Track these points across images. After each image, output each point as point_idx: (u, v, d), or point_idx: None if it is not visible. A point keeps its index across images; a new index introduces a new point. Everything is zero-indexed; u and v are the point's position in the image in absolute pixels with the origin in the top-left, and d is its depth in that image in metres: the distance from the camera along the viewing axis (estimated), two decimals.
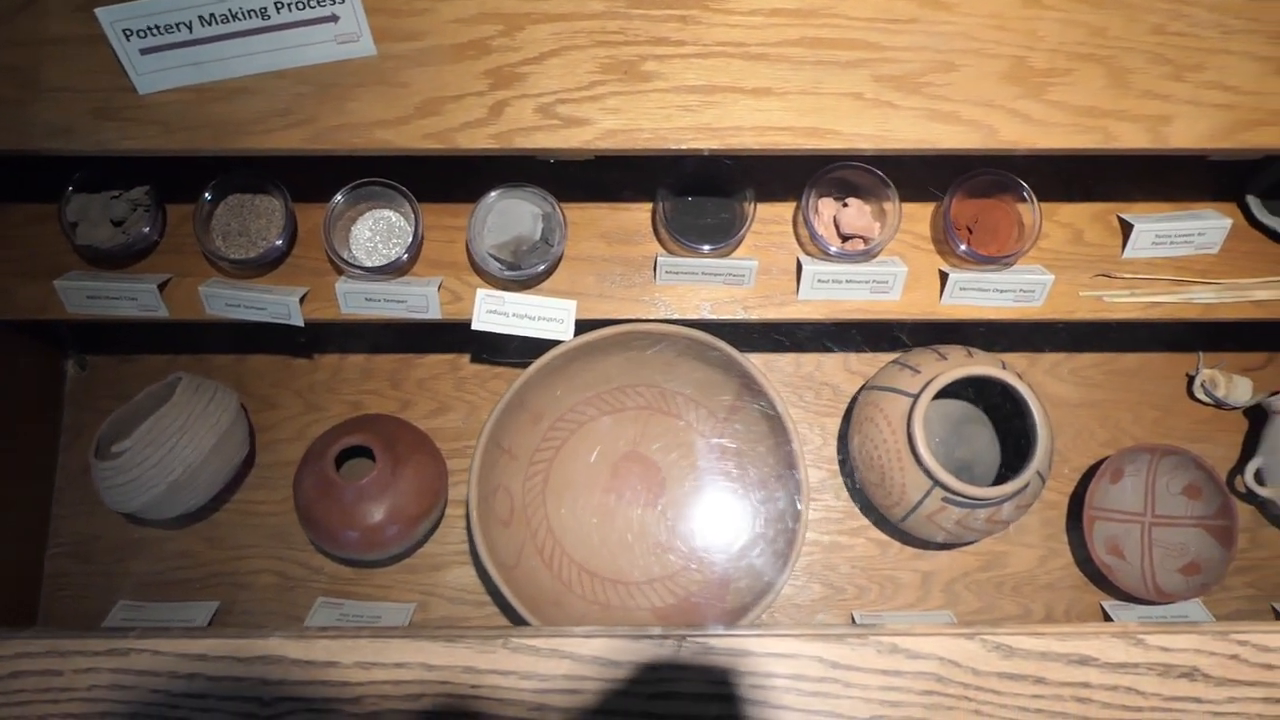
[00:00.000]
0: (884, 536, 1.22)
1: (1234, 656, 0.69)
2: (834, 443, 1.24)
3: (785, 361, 1.27)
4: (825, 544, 1.22)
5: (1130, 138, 0.88)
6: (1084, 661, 0.68)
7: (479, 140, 0.89)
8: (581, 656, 0.67)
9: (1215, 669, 0.68)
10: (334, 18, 0.89)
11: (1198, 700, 0.68)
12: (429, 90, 0.89)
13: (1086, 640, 0.68)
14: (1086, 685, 0.68)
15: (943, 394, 1.21)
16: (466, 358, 1.28)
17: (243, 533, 1.21)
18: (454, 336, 1.24)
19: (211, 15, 0.86)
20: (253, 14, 0.87)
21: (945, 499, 1.07)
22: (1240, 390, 1.23)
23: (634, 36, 0.90)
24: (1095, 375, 1.27)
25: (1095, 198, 1.12)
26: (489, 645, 0.67)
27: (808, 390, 1.26)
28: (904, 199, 1.11)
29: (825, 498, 1.23)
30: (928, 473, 1.06)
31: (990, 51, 0.89)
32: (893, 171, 1.07)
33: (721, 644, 0.68)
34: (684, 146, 0.89)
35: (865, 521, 1.22)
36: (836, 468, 1.24)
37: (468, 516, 1.03)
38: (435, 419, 1.25)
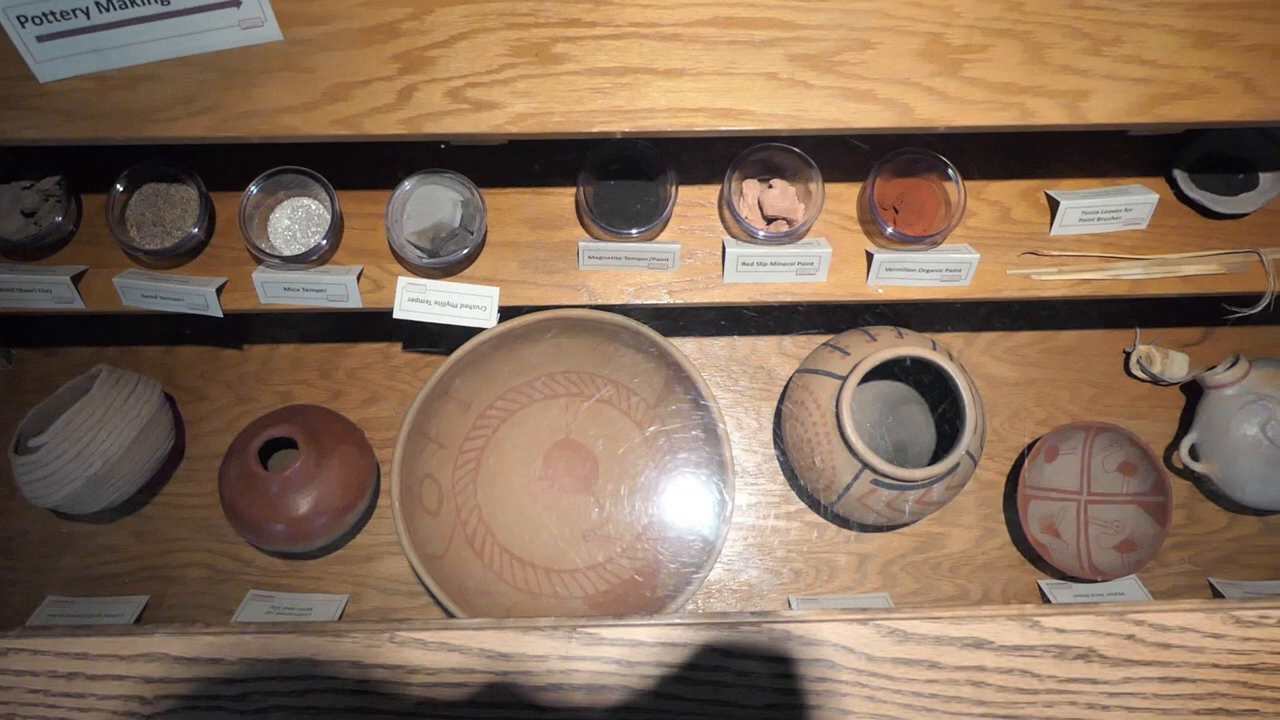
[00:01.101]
0: (820, 520, 1.21)
1: (1130, 637, 0.68)
2: (770, 427, 1.23)
3: (720, 345, 1.26)
4: (762, 528, 1.21)
5: (1048, 114, 0.87)
6: (979, 645, 0.67)
7: (387, 126, 0.87)
8: (470, 649, 0.67)
9: (1111, 649, 0.68)
10: (236, 2, 0.87)
11: (1093, 681, 0.67)
12: (337, 75, 0.87)
13: (982, 623, 0.68)
14: (982, 669, 0.67)
15: (880, 375, 1.21)
16: (398, 346, 1.26)
17: (173, 526, 1.20)
18: (385, 325, 1.22)
19: (109, 1, 0.84)
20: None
21: (874, 481, 1.06)
22: (1177, 366, 1.22)
23: (545, 18, 0.88)
24: (1032, 353, 1.26)
25: (1024, 174, 1.11)
26: (375, 639, 0.66)
27: (743, 374, 1.25)
28: (831, 179, 1.10)
29: (761, 482, 1.22)
30: (855, 455, 1.05)
31: (906, 28, 0.87)
32: (820, 151, 1.05)
33: (612, 634, 0.67)
34: (596, 130, 0.87)
35: (801, 505, 1.21)
36: (773, 452, 1.23)
37: (391, 506, 1.01)
38: (367, 409, 1.23)
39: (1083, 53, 0.87)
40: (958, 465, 1.06)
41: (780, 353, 1.26)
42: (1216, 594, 1.18)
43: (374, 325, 1.25)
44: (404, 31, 0.87)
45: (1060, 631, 0.68)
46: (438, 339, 1.23)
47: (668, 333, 1.24)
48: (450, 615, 1.02)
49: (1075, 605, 0.69)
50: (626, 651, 0.67)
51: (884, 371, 1.18)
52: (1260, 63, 0.87)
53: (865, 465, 1.05)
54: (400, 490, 1.03)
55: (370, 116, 0.87)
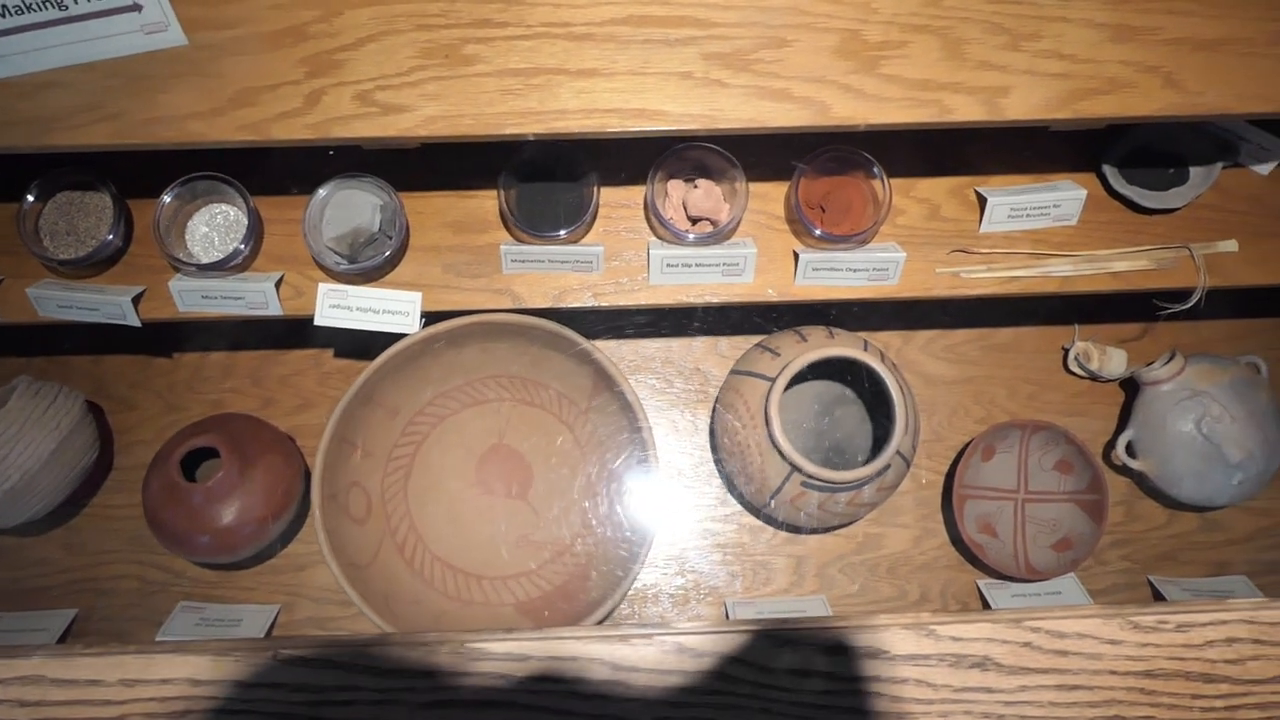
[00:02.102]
0: (756, 522, 1.20)
1: (1026, 644, 0.67)
2: (707, 429, 1.22)
3: (655, 347, 1.25)
4: (697, 531, 1.20)
5: (966, 110, 0.86)
6: (874, 655, 0.66)
7: (295, 131, 0.86)
8: (354, 665, 0.65)
9: (1008, 657, 0.67)
10: (137, 6, 0.85)
11: (989, 690, 0.66)
12: (244, 80, 0.86)
13: (877, 633, 0.67)
14: (876, 679, 0.66)
15: (818, 375, 1.20)
16: (330, 353, 1.25)
17: (102, 538, 1.19)
18: (317, 331, 1.21)
19: (4, 7, 0.83)
20: (49, 4, 0.84)
21: (804, 484, 1.05)
22: (1115, 362, 1.21)
23: (456, 19, 0.87)
24: (970, 351, 1.25)
25: (953, 171, 1.10)
26: (259, 657, 0.65)
27: (678, 376, 1.24)
28: (760, 177, 1.09)
29: (698, 485, 1.21)
30: (784, 457, 1.04)
31: (822, 25, 0.86)
32: (748, 149, 1.04)
33: (500, 648, 0.66)
34: (506, 132, 0.86)
35: (737, 508, 1.20)
36: (709, 454, 1.22)
37: (312, 516, 1.00)
38: (298, 416, 1.22)
39: (1002, 48, 0.86)
40: (888, 467, 1.05)
41: (716, 353, 1.25)
42: (1155, 591, 1.17)
43: (306, 331, 1.23)
44: (312, 34, 0.86)
45: (956, 640, 0.67)
46: (370, 345, 1.21)
47: (604, 334, 1.23)
48: (377, 626, 1.00)
49: (972, 614, 0.68)
50: (514, 667, 0.65)
51: (822, 371, 1.17)
52: (1180, 56, 0.86)
53: (794, 467, 1.04)
54: (323, 499, 1.01)
55: (278, 122, 0.86)
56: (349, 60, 0.86)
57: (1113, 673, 0.67)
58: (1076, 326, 1.25)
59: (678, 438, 1.22)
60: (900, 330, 1.25)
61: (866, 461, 1.09)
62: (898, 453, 1.06)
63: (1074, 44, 0.86)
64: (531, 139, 0.86)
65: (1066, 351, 1.25)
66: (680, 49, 0.86)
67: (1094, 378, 1.24)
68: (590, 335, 1.22)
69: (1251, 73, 0.86)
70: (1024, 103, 0.86)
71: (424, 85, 0.86)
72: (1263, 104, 0.86)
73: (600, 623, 1.02)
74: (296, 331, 1.24)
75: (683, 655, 0.66)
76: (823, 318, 1.20)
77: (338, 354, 1.26)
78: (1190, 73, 0.86)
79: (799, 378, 1.20)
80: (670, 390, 1.24)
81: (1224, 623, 0.67)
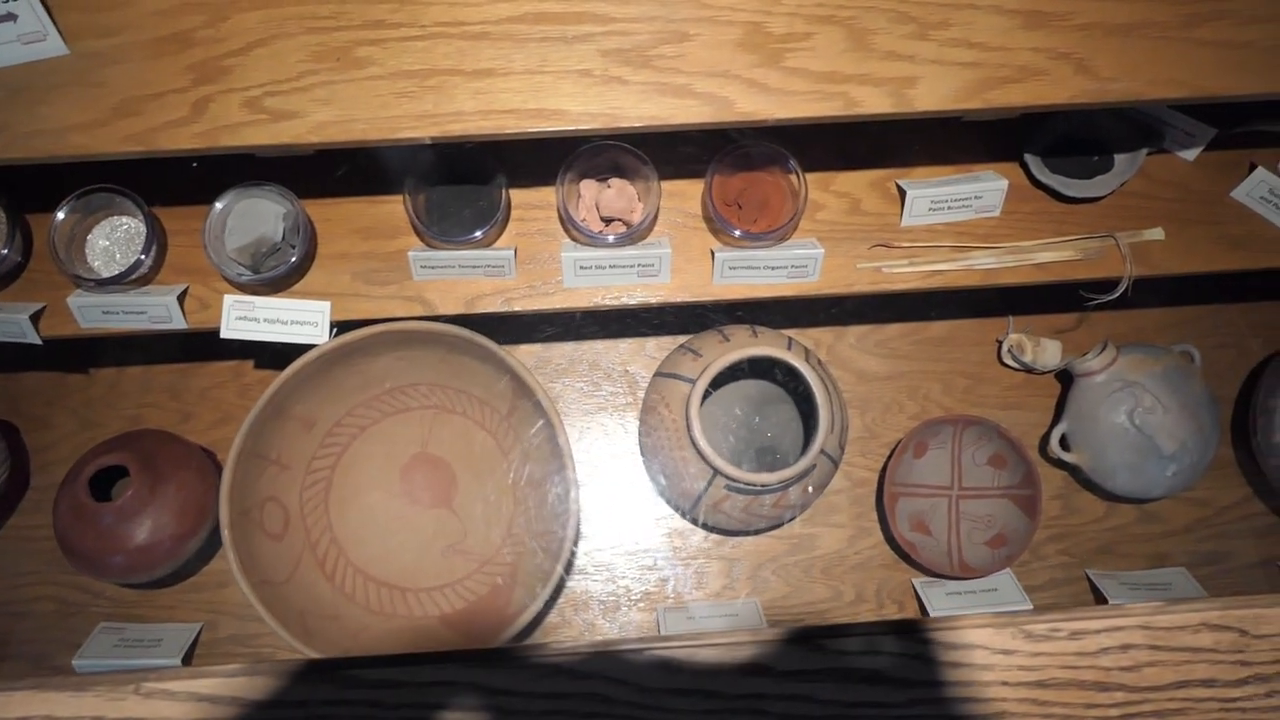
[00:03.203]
0: (687, 526, 1.18)
1: (916, 656, 0.65)
2: (635, 432, 1.20)
3: (583, 349, 1.22)
4: (628, 536, 1.18)
5: (873, 103, 0.84)
6: (758, 672, 0.64)
7: (182, 140, 0.84)
8: (220, 698, 0.63)
9: (897, 670, 0.65)
10: (12, 16, 0.83)
11: (879, 705, 0.64)
12: (128, 89, 0.83)
13: (761, 648, 0.65)
14: (761, 696, 0.64)
15: (747, 374, 1.18)
16: (251, 364, 1.22)
17: (19, 559, 1.16)
18: (236, 343, 1.18)
19: None
20: None
21: (727, 487, 1.03)
22: (1049, 354, 1.19)
23: (347, 21, 0.84)
24: (904, 345, 1.23)
25: (874, 164, 1.08)
26: (119, 691, 0.63)
27: (606, 379, 1.21)
28: (678, 175, 1.07)
29: (627, 489, 1.19)
30: (705, 461, 1.02)
31: (725, 19, 0.84)
32: (663, 147, 1.02)
33: (374, 675, 0.64)
34: (401, 136, 0.84)
35: (668, 512, 1.18)
36: (639, 458, 1.19)
37: (222, 534, 0.98)
38: (219, 429, 1.19)
39: (909, 38, 0.84)
40: (813, 467, 1.03)
41: (644, 355, 1.22)
42: (1093, 585, 1.15)
43: (225, 343, 1.20)
44: (199, 40, 0.84)
45: (843, 654, 0.65)
46: (292, 355, 1.19)
47: (530, 338, 1.21)
48: (290, 645, 0.98)
49: (860, 625, 0.66)
50: (384, 695, 0.63)
51: (754, 370, 1.15)
52: (1092, 42, 0.84)
53: (715, 471, 1.02)
54: (234, 516, 0.99)
55: (164, 131, 0.83)
56: (237, 66, 0.83)
57: (1004, 684, 0.65)
58: (1011, 318, 1.23)
59: (607, 441, 1.20)
60: (833, 326, 1.23)
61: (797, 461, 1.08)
62: (823, 452, 1.04)
63: (984, 32, 0.84)
64: (427, 142, 0.84)
65: (1001, 344, 1.23)
66: (579, 46, 0.84)
67: (1029, 370, 1.22)
68: (517, 339, 1.20)
69: (1164, 57, 0.84)
70: (933, 93, 0.84)
71: (315, 90, 0.83)
72: (1175, 89, 0.84)
73: (522, 634, 1.00)
74: (215, 343, 1.20)
75: (559, 677, 0.64)
76: (759, 314, 1.19)
77: (259, 365, 1.23)
78: (1102, 59, 0.84)
79: (730, 377, 1.18)
80: (598, 393, 1.22)
81: (1119, 629, 0.66)
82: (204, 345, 1.22)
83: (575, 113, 0.84)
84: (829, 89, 0.83)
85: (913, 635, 0.65)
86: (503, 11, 0.84)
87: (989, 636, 0.65)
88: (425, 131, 0.83)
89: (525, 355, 1.21)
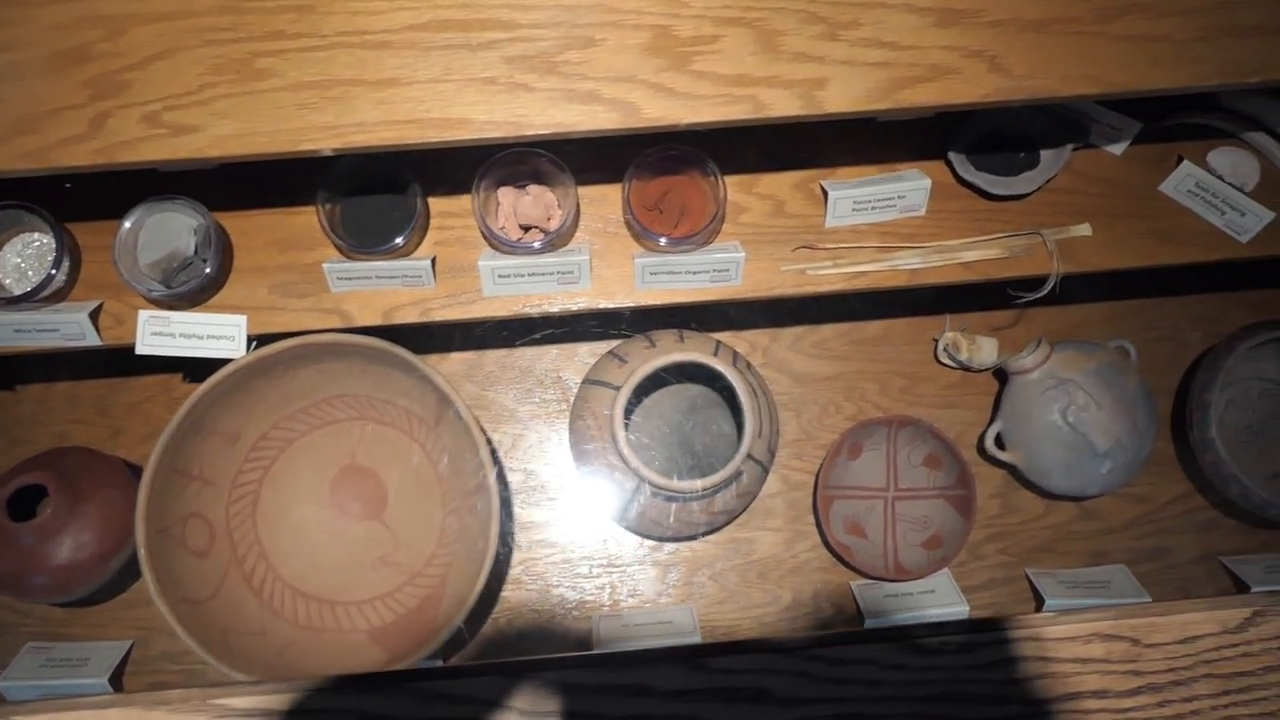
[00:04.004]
0: (623, 533, 1.17)
1: (802, 674, 0.64)
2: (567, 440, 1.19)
3: (516, 356, 1.21)
4: (564, 545, 1.17)
5: (782, 105, 0.83)
6: (641, 693, 0.63)
7: (79, 157, 0.82)
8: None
9: (783, 688, 0.64)
10: None
11: None
12: (23, 106, 0.82)
13: (642, 669, 0.64)
14: (647, 718, 0.63)
15: (680, 379, 1.17)
16: (180, 378, 1.21)
17: None
18: (164, 357, 1.17)
19: None
20: None
21: (653, 494, 1.02)
22: (985, 351, 1.18)
23: (247, 32, 0.83)
24: (840, 346, 1.22)
25: (798, 165, 1.07)
26: None
27: (539, 386, 1.20)
28: (597, 180, 1.06)
29: (564, 497, 1.18)
30: (630, 468, 1.01)
31: (631, 23, 0.83)
32: (582, 152, 1.01)
33: (243, 703, 0.62)
34: (303, 148, 0.82)
35: (603, 519, 1.17)
36: (572, 465, 1.18)
37: (138, 553, 0.96)
38: (148, 445, 1.15)
39: (819, 38, 0.83)
40: (739, 474, 1.02)
41: (577, 361, 1.21)
42: (1032, 585, 1.14)
43: (153, 357, 1.19)
44: (96, 55, 0.82)
45: (729, 673, 0.64)
46: (217, 369, 1.18)
47: (462, 346, 1.20)
48: (210, 664, 0.97)
49: (746, 641, 0.65)
50: None
51: (688, 374, 1.14)
52: (1005, 39, 0.83)
53: (641, 479, 1.01)
54: (152, 534, 0.98)
55: (60, 148, 0.82)
56: (135, 81, 0.82)
57: (894, 699, 0.64)
58: (947, 317, 1.22)
59: (541, 450, 1.19)
60: (768, 328, 1.22)
61: None
62: (750, 458, 1.03)
63: (895, 31, 0.83)
64: (329, 154, 0.82)
65: (937, 343, 1.21)
66: (483, 53, 0.83)
67: (965, 368, 1.20)
68: (449, 347, 1.19)
69: (1078, 53, 0.83)
70: (843, 95, 0.83)
71: (215, 103, 0.82)
72: (1089, 85, 0.83)
73: (443, 648, 0.99)
74: (144, 357, 1.19)
75: (438, 704, 0.63)
76: (698, 317, 1.17)
77: (188, 379, 1.22)
78: (1016, 55, 0.82)
79: (664, 382, 1.17)
80: (532, 400, 1.20)
81: (1009, 641, 0.65)
82: (132, 360, 1.18)
83: (480, 121, 0.82)
84: (737, 92, 0.82)
85: (800, 653, 0.64)
86: (405, 20, 0.83)
87: (880, 652, 0.64)
88: (327, 143, 0.82)
89: (457, 363, 1.20)
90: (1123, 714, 0.64)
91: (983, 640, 0.64)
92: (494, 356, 1.20)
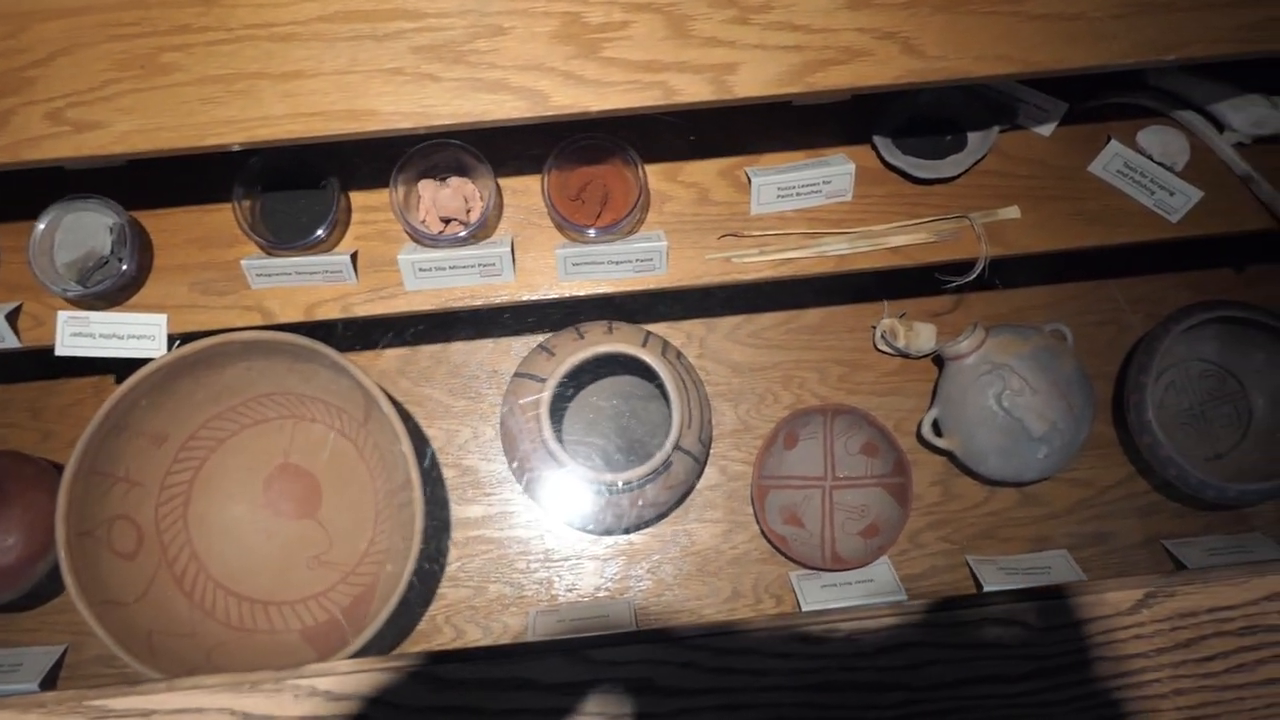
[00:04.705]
0: (561, 527, 1.16)
1: (688, 664, 0.63)
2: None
3: (452, 351, 1.20)
4: (501, 540, 1.16)
5: (693, 91, 0.82)
6: (523, 685, 0.62)
7: None
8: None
9: (668, 678, 0.63)
10: None
11: (648, 715, 0.62)
12: None
13: (526, 662, 0.63)
14: (528, 711, 0.62)
15: (617, 370, 1.16)
16: (112, 379, 1.20)
17: None
18: (96, 358, 1.16)
19: None
20: None
21: (582, 487, 1.01)
22: (923, 338, 1.17)
23: (152, 27, 0.82)
24: (777, 335, 1.21)
25: (724, 152, 1.05)
26: None
27: (475, 379, 1.19)
28: (520, 171, 1.05)
29: (501, 491, 1.17)
30: (557, 461, 1.00)
31: (540, 10, 0.82)
32: (504, 142, 1.00)
33: (121, 704, 0.62)
34: (208, 143, 0.82)
35: (540, 513, 1.16)
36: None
37: (59, 556, 0.95)
38: None
39: (730, 22, 0.82)
40: (667, 465, 1.01)
41: (513, 354, 1.20)
42: (972, 572, 1.13)
43: (84, 358, 1.18)
44: None
45: (613, 664, 0.63)
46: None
47: (396, 341, 1.18)
48: (133, 666, 0.96)
49: (628, 633, 0.64)
50: None
51: (624, 366, 1.13)
52: (918, 20, 0.82)
53: (568, 471, 1.00)
54: (73, 537, 0.97)
55: None
56: (39, 77, 0.81)
57: (780, 689, 0.63)
58: (886, 303, 1.21)
59: (476, 444, 1.18)
60: (705, 318, 1.21)
61: None
62: (680, 449, 1.02)
63: (807, 13, 0.82)
64: (237, 149, 0.82)
65: (876, 329, 1.20)
66: (390, 43, 0.82)
67: (904, 355, 1.19)
68: (381, 343, 1.18)
69: (992, 32, 0.82)
70: (754, 79, 0.82)
71: (119, 99, 0.81)
72: (1005, 64, 0.82)
73: (372, 646, 0.98)
74: (75, 359, 1.18)
75: (315, 699, 0.62)
76: (634, 308, 1.16)
77: (120, 379, 1.20)
78: (929, 36, 0.82)
79: (599, 374, 1.16)
80: (468, 394, 1.19)
81: (898, 627, 0.64)
82: (64, 361, 1.19)
83: (386, 112, 0.82)
84: (647, 78, 0.81)
85: (684, 643, 0.63)
86: (311, 11, 0.82)
87: (763, 641, 0.64)
88: (233, 138, 0.81)
89: (391, 359, 1.19)
90: (1014, 698, 0.63)
91: (871, 627, 0.63)
92: (428, 351, 1.20)
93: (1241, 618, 0.64)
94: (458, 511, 1.16)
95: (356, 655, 0.97)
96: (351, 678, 0.62)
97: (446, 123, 0.82)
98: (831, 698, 0.62)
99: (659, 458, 1.00)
